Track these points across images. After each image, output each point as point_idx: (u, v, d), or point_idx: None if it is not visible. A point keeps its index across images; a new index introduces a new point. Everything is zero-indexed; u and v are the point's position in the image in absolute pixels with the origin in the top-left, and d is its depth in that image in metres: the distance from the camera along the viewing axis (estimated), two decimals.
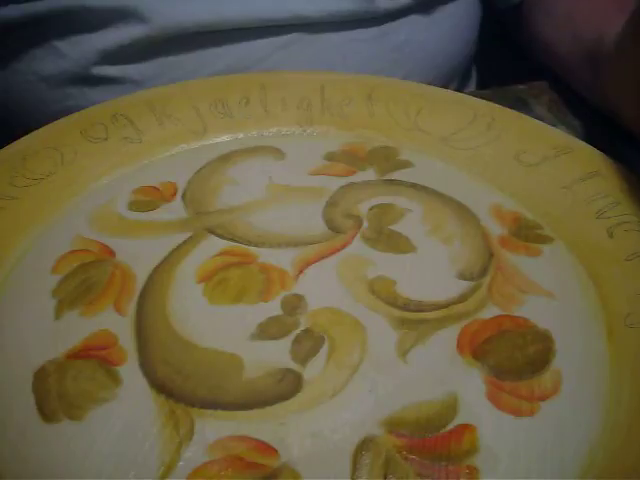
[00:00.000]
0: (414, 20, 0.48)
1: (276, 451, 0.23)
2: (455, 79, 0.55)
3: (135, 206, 0.35)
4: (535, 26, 0.50)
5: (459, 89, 0.56)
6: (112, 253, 0.31)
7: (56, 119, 0.37)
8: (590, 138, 0.38)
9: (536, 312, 0.29)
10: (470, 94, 0.43)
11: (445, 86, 0.53)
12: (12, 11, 0.43)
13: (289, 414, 0.25)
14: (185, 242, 0.32)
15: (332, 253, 0.32)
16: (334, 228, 0.33)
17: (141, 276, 0.30)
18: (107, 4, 0.42)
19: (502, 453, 0.24)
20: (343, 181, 0.36)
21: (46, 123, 0.37)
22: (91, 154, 0.37)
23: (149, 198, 0.35)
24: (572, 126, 0.42)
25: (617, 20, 0.38)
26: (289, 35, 0.45)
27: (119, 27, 0.43)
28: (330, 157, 0.38)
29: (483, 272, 0.31)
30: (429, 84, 0.50)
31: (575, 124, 0.43)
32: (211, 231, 0.33)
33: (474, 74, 0.60)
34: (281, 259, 0.31)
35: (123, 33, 0.43)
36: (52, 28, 0.43)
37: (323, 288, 0.30)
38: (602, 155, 0.36)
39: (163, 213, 0.34)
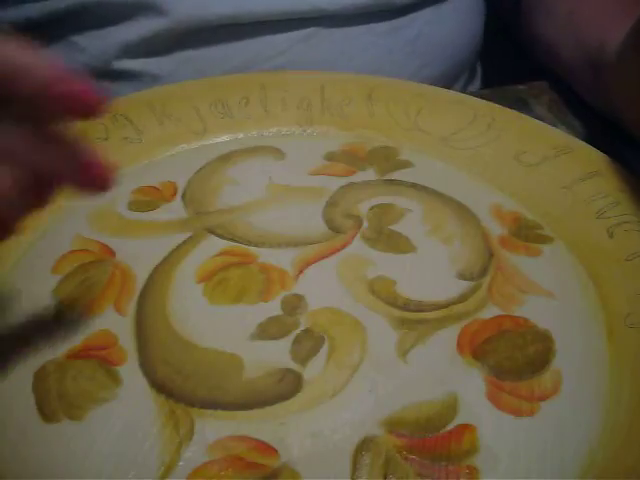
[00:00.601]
0: (425, 14, 0.49)
1: (276, 451, 0.23)
2: (464, 73, 0.55)
3: (135, 206, 0.35)
4: (536, 27, 0.50)
5: (467, 84, 0.56)
6: (112, 253, 0.32)
7: None
8: (590, 138, 0.38)
9: (536, 312, 0.29)
10: (470, 94, 0.43)
11: (454, 80, 0.54)
12: (30, 11, 0.43)
13: (289, 414, 0.25)
14: (185, 242, 0.32)
15: (332, 253, 0.32)
16: (334, 228, 0.33)
17: (141, 276, 0.30)
18: None
19: (502, 453, 0.24)
20: (343, 181, 0.36)
21: None
22: None
23: (149, 198, 0.35)
24: (572, 126, 0.42)
25: (619, 23, 0.37)
26: (307, 29, 0.46)
27: (139, 20, 0.43)
28: (330, 157, 0.38)
29: (483, 272, 0.31)
30: (441, 76, 0.50)
31: (575, 124, 0.43)
32: (211, 231, 0.33)
33: (479, 71, 0.60)
34: (281, 259, 0.31)
35: (143, 27, 0.43)
36: (71, 24, 0.44)
37: (323, 288, 0.30)
38: (602, 155, 0.36)
39: (163, 213, 0.34)
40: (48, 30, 0.44)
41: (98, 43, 0.44)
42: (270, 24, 0.45)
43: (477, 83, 0.60)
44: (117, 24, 0.43)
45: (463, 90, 0.52)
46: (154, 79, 0.45)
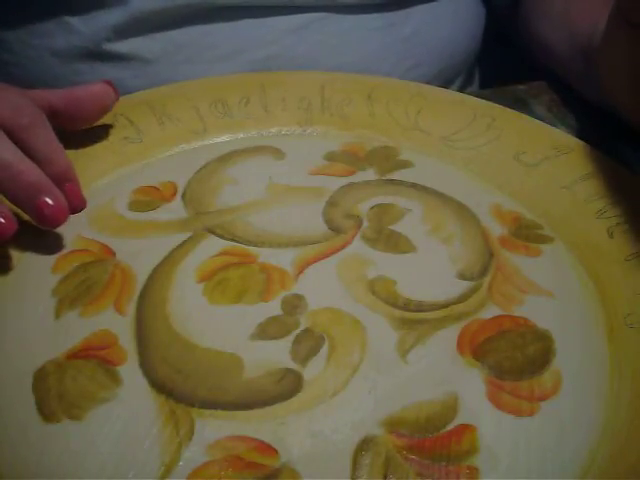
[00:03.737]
0: (421, 12, 0.49)
1: (276, 451, 0.23)
2: (460, 75, 0.55)
3: (135, 206, 0.35)
4: (534, 28, 0.50)
5: (463, 86, 0.56)
6: (112, 253, 0.32)
7: None
8: (590, 138, 0.38)
9: (536, 312, 0.29)
10: (470, 94, 0.43)
11: (451, 81, 0.53)
12: None
13: (289, 414, 0.25)
14: (185, 242, 0.32)
15: (332, 253, 0.32)
16: (334, 228, 0.33)
17: (141, 276, 0.30)
18: None
19: (502, 453, 0.24)
20: (343, 181, 0.36)
21: None
22: (91, 154, 0.37)
23: (149, 198, 0.35)
24: (572, 126, 0.42)
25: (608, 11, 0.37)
26: (300, 19, 0.46)
27: (131, 1, 0.43)
28: (330, 157, 0.38)
29: (483, 272, 0.31)
30: (437, 76, 0.50)
31: (575, 124, 0.43)
32: (211, 231, 0.33)
33: (477, 74, 0.60)
34: (281, 259, 0.31)
35: (134, 5, 0.43)
36: (64, 4, 0.44)
37: (323, 288, 0.30)
38: (602, 155, 0.36)
39: (163, 213, 0.34)
40: (43, 9, 0.44)
41: (91, 24, 0.44)
42: (261, 11, 0.45)
43: (475, 86, 0.60)
44: (110, 6, 0.44)
45: (460, 92, 0.52)
46: (144, 63, 0.46)
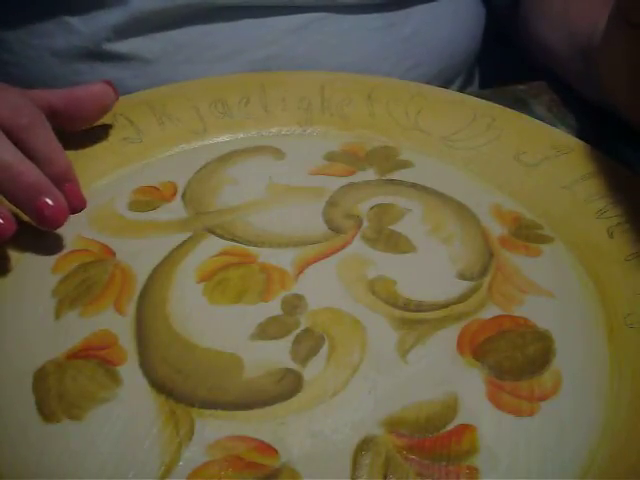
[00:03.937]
0: (421, 12, 0.49)
1: (276, 451, 0.23)
2: (460, 75, 0.55)
3: (135, 206, 0.35)
4: (534, 28, 0.50)
5: (463, 86, 0.56)
6: (112, 253, 0.32)
7: None
8: (590, 138, 0.38)
9: (536, 312, 0.29)
10: (470, 94, 0.43)
11: (451, 81, 0.53)
12: None
13: (289, 414, 0.25)
14: (185, 242, 0.32)
15: (332, 253, 0.32)
16: (334, 228, 0.33)
17: (141, 276, 0.30)
18: None
19: (502, 453, 0.24)
20: (343, 181, 0.36)
21: None
22: (91, 154, 0.37)
23: (149, 198, 0.35)
24: (572, 126, 0.42)
25: (608, 11, 0.37)
26: (299, 19, 0.46)
27: (131, 1, 0.43)
28: (330, 157, 0.38)
29: (483, 272, 0.31)
30: (437, 76, 0.50)
31: (575, 124, 0.43)
32: (211, 231, 0.33)
33: (477, 74, 0.60)
34: (281, 259, 0.31)
35: (134, 5, 0.43)
36: (64, 3, 0.44)
37: (323, 288, 0.30)
38: (602, 155, 0.36)
39: (163, 213, 0.34)
40: (43, 9, 0.44)
41: (90, 24, 0.44)
42: (261, 11, 0.45)
43: (475, 86, 0.60)
44: (110, 6, 0.44)
45: (460, 92, 0.52)
46: (144, 63, 0.46)
